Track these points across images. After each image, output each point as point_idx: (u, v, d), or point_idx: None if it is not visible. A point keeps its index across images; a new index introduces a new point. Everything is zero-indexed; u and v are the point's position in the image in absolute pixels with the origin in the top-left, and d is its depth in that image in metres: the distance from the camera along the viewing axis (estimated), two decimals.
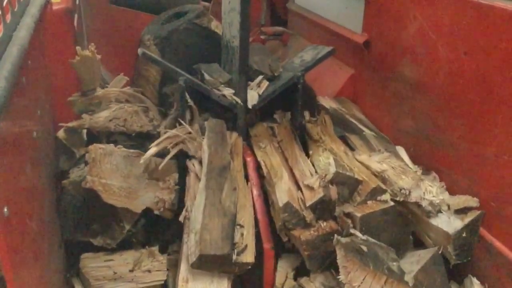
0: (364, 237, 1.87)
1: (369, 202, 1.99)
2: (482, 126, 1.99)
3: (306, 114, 2.37)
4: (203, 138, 2.12)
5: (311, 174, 2.02)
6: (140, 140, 2.22)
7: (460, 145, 2.12)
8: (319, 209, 1.93)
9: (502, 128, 1.90)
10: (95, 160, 1.87)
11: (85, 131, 2.22)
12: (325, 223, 1.94)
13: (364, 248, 1.80)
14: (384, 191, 2.01)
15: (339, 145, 2.28)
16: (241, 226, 1.85)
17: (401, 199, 2.01)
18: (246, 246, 1.78)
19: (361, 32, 2.83)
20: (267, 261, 1.97)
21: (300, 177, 2.02)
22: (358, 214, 1.93)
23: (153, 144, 1.99)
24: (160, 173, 2.00)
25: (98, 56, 2.19)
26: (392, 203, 1.98)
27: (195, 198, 1.88)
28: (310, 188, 1.94)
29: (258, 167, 2.17)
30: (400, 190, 2.01)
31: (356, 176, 2.02)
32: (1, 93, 1.12)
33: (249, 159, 2.17)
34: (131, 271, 1.92)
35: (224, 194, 1.87)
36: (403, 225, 2.00)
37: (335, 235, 1.85)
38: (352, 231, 1.91)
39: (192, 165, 2.04)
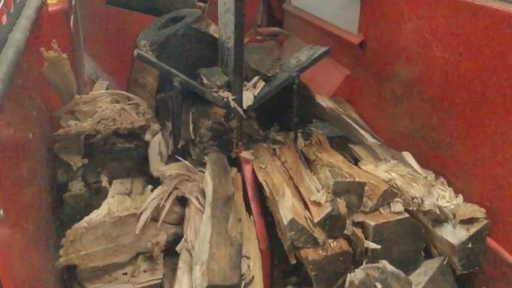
0: (380, 265, 1.79)
1: (383, 212, 1.96)
2: (477, 126, 2.00)
3: (301, 141, 2.32)
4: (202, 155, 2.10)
5: (318, 191, 1.96)
6: (136, 141, 2.22)
7: (455, 145, 2.13)
8: (328, 226, 1.86)
9: (496, 129, 1.91)
10: (74, 240, 1.78)
11: (82, 139, 2.18)
12: (334, 243, 1.87)
13: (379, 286, 1.73)
14: (395, 194, 1.97)
15: (338, 157, 2.23)
16: (247, 258, 1.80)
17: (414, 208, 1.97)
18: (253, 277, 1.74)
19: (357, 33, 2.84)
20: (263, 261, 1.98)
21: (306, 194, 1.95)
22: (372, 223, 1.90)
23: (142, 208, 1.89)
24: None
25: (64, 55, 2.08)
26: (407, 215, 1.95)
27: (195, 230, 1.83)
28: (317, 204, 1.88)
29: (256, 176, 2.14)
30: (413, 199, 1.97)
31: (357, 180, 1.97)
32: None
33: (246, 161, 2.18)
34: (125, 274, 1.91)
35: (230, 224, 1.81)
36: (416, 240, 1.97)
37: (348, 274, 1.78)
38: (366, 244, 1.88)
39: (195, 198, 1.98)
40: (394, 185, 2.03)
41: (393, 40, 2.50)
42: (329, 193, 1.90)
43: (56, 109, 2.25)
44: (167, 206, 1.91)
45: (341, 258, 1.84)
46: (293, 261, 1.89)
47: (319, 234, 1.84)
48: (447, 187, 2.12)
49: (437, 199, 2.01)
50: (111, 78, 3.31)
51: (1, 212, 1.21)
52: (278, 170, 2.11)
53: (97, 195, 2.00)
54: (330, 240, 1.87)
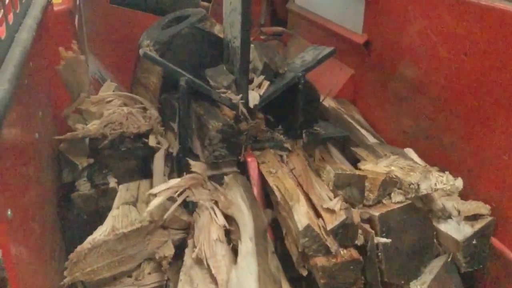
0: None
1: (386, 202, 1.97)
2: (482, 126, 2.00)
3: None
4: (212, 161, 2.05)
5: (330, 199, 1.93)
6: (141, 140, 2.22)
7: (460, 145, 2.13)
8: (340, 234, 1.83)
9: (501, 129, 1.91)
10: (77, 261, 1.76)
11: (87, 140, 2.18)
12: (345, 251, 1.84)
13: None
14: (395, 183, 1.98)
15: (341, 163, 2.24)
16: None
17: (412, 195, 1.97)
18: None
19: (361, 32, 2.83)
20: None
21: (318, 201, 1.92)
22: (376, 213, 1.90)
23: (154, 190, 1.84)
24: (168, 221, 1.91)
25: (82, 57, 2.11)
26: (409, 201, 1.96)
27: (210, 240, 1.79)
28: (331, 211, 1.85)
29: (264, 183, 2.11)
30: (409, 185, 1.98)
31: (357, 173, 1.99)
32: (5, 95, 1.12)
33: (250, 159, 2.17)
34: (129, 277, 1.89)
35: (269, 259, 1.77)
36: (425, 226, 1.97)
37: None
38: (375, 240, 1.87)
39: (212, 208, 1.91)
40: (394, 176, 2.04)
41: (398, 40, 2.50)
42: (343, 201, 1.88)
43: (61, 108, 2.25)
44: (178, 201, 1.87)
45: (351, 267, 1.81)
46: (305, 273, 1.85)
47: (332, 244, 1.80)
48: (444, 172, 2.12)
49: (435, 183, 2.01)
50: (115, 78, 3.31)
51: (9, 212, 1.22)
52: (289, 175, 2.08)
53: (104, 196, 2.01)
54: (340, 249, 1.83)
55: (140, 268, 1.88)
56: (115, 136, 2.08)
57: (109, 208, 1.93)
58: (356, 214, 1.87)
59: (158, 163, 2.12)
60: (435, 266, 1.94)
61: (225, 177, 2.08)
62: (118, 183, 2.08)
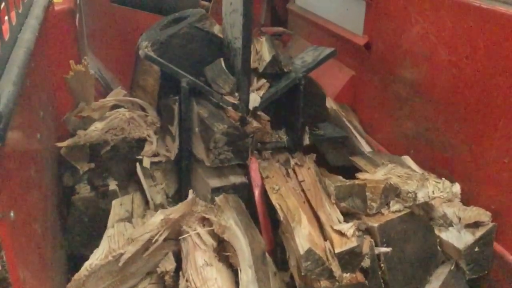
0: None
1: (384, 211, 1.96)
2: (483, 129, 2.00)
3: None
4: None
5: (339, 221, 1.88)
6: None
7: (460, 148, 2.13)
8: (345, 260, 1.77)
9: (502, 132, 1.92)
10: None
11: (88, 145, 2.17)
12: (348, 274, 1.78)
13: None
14: (396, 189, 1.97)
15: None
16: None
17: (410, 204, 1.97)
18: None
19: (362, 34, 2.83)
20: None
21: (326, 221, 1.87)
22: (375, 224, 1.89)
23: (134, 235, 1.80)
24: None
25: (91, 71, 2.13)
26: (407, 210, 1.95)
27: (196, 268, 1.75)
28: (342, 234, 1.80)
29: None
30: (407, 194, 1.98)
31: (357, 183, 1.98)
32: (10, 97, 1.12)
33: (252, 161, 2.17)
34: None
35: (272, 284, 1.74)
36: (426, 234, 1.96)
37: None
38: (376, 250, 1.85)
39: (194, 230, 1.87)
40: (392, 184, 2.03)
41: (398, 42, 2.50)
42: (357, 229, 1.84)
43: (61, 108, 2.25)
44: (160, 241, 1.82)
45: None
46: None
47: (336, 268, 1.75)
48: (441, 179, 2.12)
49: (433, 191, 2.02)
50: (115, 77, 3.30)
51: (12, 214, 1.22)
52: (293, 193, 2.03)
53: (105, 199, 2.00)
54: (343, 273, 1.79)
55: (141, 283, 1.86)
56: (116, 141, 2.08)
57: (109, 211, 1.93)
58: (366, 244, 1.83)
59: (141, 178, 2.12)
60: (441, 272, 1.94)
61: (216, 198, 2.00)
62: (118, 186, 2.08)
